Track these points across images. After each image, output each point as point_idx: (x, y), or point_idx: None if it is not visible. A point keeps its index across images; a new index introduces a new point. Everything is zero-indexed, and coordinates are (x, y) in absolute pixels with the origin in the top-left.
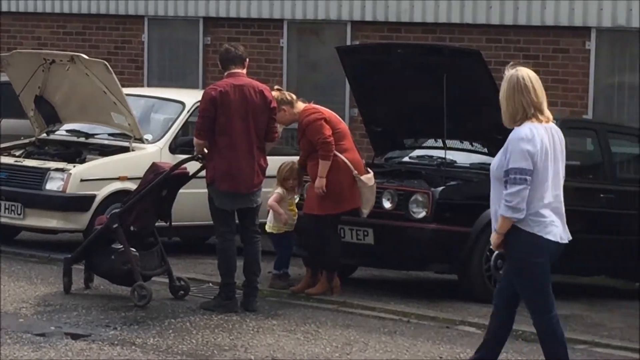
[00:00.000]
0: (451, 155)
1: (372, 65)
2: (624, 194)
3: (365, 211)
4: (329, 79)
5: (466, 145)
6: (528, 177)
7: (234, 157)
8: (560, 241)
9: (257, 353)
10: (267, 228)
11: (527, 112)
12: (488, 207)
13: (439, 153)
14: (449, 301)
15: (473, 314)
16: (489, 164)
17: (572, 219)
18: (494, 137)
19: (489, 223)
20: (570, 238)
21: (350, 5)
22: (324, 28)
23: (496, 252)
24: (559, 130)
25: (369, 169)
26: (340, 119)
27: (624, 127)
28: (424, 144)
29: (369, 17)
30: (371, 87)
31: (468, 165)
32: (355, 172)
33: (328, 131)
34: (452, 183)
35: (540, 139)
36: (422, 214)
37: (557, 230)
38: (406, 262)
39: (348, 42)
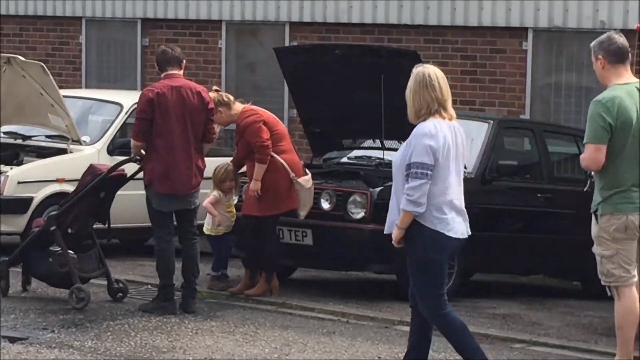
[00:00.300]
0: (389, 155)
1: (310, 66)
2: (561, 193)
3: (303, 213)
4: (267, 80)
5: (403, 145)
6: (429, 172)
7: (171, 158)
8: (461, 237)
9: (195, 355)
10: (205, 230)
11: (431, 107)
12: None
13: (377, 153)
14: (388, 301)
15: None
16: None
17: (510, 218)
18: None
19: None
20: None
21: (288, 6)
22: (262, 29)
23: None
24: (461, 129)
25: (307, 171)
26: (278, 120)
27: (561, 126)
28: (362, 145)
29: (307, 18)
30: (309, 88)
31: None
32: (293, 174)
33: (266, 134)
34: (391, 183)
35: (443, 135)
36: (360, 214)
37: (459, 227)
38: (345, 262)
39: (286, 43)
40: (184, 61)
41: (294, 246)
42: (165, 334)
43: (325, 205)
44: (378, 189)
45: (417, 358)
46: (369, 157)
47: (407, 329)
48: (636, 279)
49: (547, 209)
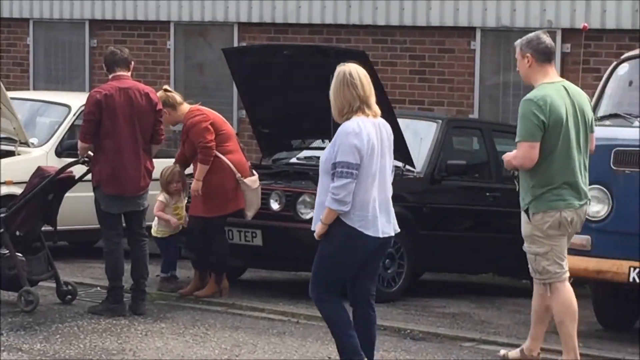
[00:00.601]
0: None
1: (259, 67)
2: (510, 192)
3: (249, 213)
4: (216, 81)
5: None
6: (354, 171)
7: (119, 160)
8: (382, 236)
9: (145, 356)
10: (153, 232)
11: (353, 105)
12: None
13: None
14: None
15: None
16: None
17: (460, 217)
18: None
19: None
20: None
21: (237, 6)
22: (211, 30)
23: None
24: (387, 125)
25: (254, 171)
26: (225, 120)
27: (510, 126)
28: (312, 145)
29: (255, 19)
30: (258, 89)
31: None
32: (239, 175)
33: (210, 135)
34: None
35: (367, 133)
36: (310, 214)
37: (380, 226)
38: (295, 263)
39: (235, 44)
40: (132, 63)
41: (243, 247)
42: (114, 336)
43: (275, 205)
44: None
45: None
46: (318, 158)
47: None
48: (568, 274)
49: (496, 208)
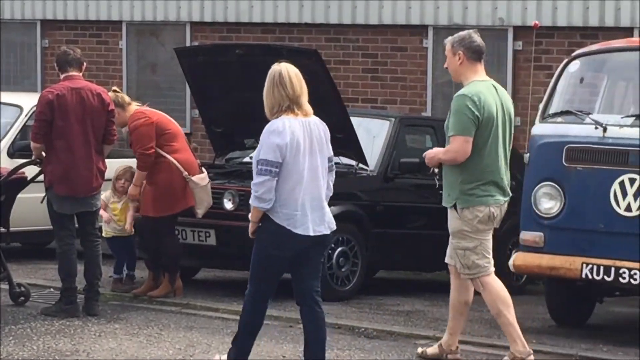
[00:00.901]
0: None
1: (211, 66)
2: None
3: (200, 211)
4: (169, 81)
5: None
6: (274, 169)
7: (71, 160)
8: (312, 234)
9: (99, 357)
10: (104, 232)
11: (282, 105)
12: (329, 205)
13: None
14: (291, 300)
15: None
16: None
17: (413, 215)
18: (334, 135)
19: None
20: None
21: (189, 6)
22: (163, 29)
23: (338, 250)
24: (321, 124)
25: (203, 169)
26: (170, 119)
27: None
28: None
29: (208, 18)
30: (211, 88)
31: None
32: (186, 172)
33: (148, 141)
34: None
35: (291, 132)
36: None
37: (309, 224)
38: (249, 262)
39: (187, 43)
40: (85, 63)
41: (197, 247)
42: (68, 337)
43: (228, 205)
44: None
45: (314, 355)
46: None
47: None
48: (493, 268)
49: None
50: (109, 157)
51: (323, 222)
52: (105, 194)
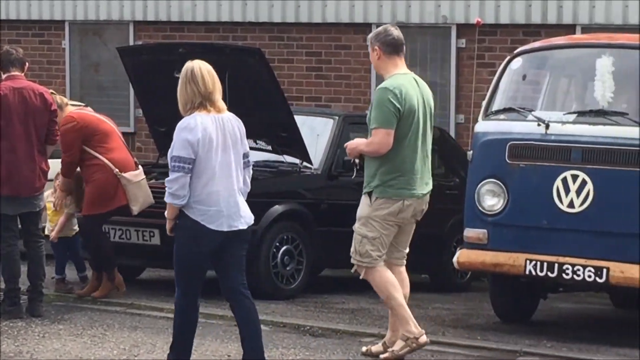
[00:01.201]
0: None
1: (154, 65)
2: None
3: (135, 208)
4: (112, 80)
5: (250, 143)
6: (187, 166)
7: (14, 160)
8: (227, 229)
9: (43, 358)
10: (47, 232)
11: (194, 101)
12: (273, 204)
13: None
14: None
15: (261, 311)
16: (274, 161)
17: (355, 213)
18: (278, 134)
19: (275, 220)
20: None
21: (132, 5)
22: (106, 29)
23: (283, 248)
24: (235, 120)
25: (139, 166)
26: (102, 119)
27: None
28: None
29: (151, 17)
30: (154, 87)
31: (253, 163)
32: (116, 170)
33: (70, 149)
34: None
35: (203, 128)
36: None
37: (223, 219)
38: None
39: (131, 43)
40: (27, 62)
41: (141, 246)
42: (11, 339)
43: None
44: None
45: (252, 350)
46: None
47: None
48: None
49: None
50: (51, 157)
51: (239, 218)
52: (46, 193)
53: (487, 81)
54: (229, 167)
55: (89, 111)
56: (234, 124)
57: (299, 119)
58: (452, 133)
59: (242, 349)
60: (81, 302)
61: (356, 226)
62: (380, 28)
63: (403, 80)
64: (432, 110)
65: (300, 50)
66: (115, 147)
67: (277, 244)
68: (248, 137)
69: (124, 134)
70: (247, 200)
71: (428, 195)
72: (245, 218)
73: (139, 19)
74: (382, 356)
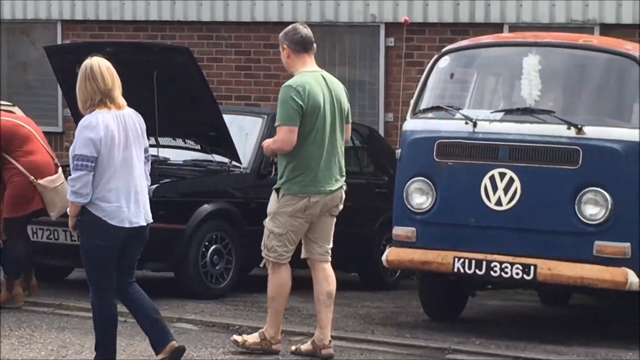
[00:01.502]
0: (164, 152)
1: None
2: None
3: (53, 214)
4: (40, 80)
5: (179, 142)
6: (89, 164)
7: None
8: (128, 226)
9: None
10: None
11: (94, 99)
12: (202, 203)
13: (152, 151)
14: (166, 299)
15: (190, 311)
16: (202, 161)
17: None
18: (206, 133)
19: (203, 219)
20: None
21: (59, 4)
22: (34, 28)
23: (212, 248)
24: (136, 115)
25: (59, 169)
26: (19, 124)
27: None
28: None
29: (79, 16)
30: None
31: (181, 162)
32: (32, 177)
33: None
34: (166, 180)
35: (105, 126)
36: None
37: (125, 215)
38: None
39: (59, 42)
40: None
41: (69, 247)
42: None
43: None
44: (153, 187)
45: (158, 342)
46: None
47: (186, 325)
48: (290, 258)
49: None
50: None
51: (140, 214)
52: None
53: (416, 80)
54: (130, 163)
55: (16, 111)
56: (135, 119)
57: (227, 118)
58: (381, 132)
59: (149, 340)
60: (9, 303)
61: (266, 221)
62: (289, 27)
63: (308, 77)
64: (343, 106)
65: (229, 49)
66: (34, 150)
67: (206, 243)
68: (177, 136)
69: (52, 133)
70: (175, 200)
71: (342, 191)
72: (146, 215)
73: (66, 18)
74: (232, 337)
